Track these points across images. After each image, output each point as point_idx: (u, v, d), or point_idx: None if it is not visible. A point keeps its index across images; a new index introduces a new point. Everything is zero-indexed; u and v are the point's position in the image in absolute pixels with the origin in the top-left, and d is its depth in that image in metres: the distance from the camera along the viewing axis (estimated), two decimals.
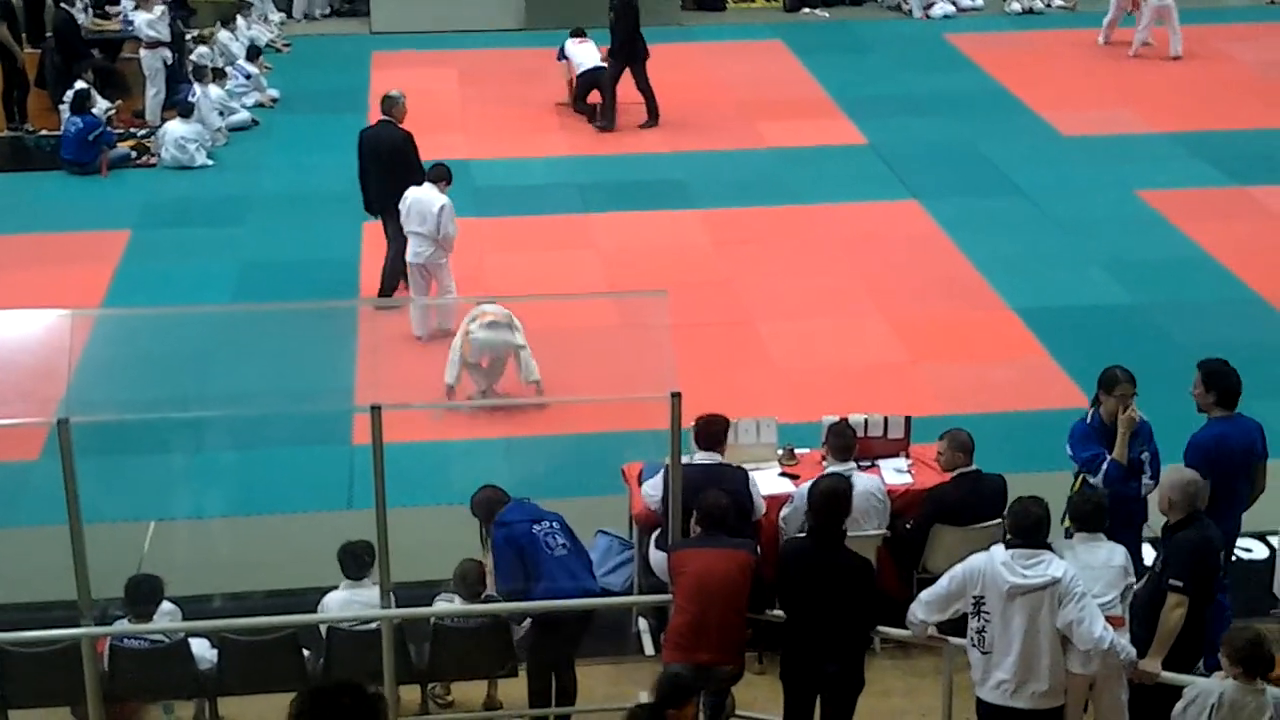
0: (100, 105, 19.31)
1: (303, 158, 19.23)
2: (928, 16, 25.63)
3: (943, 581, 8.12)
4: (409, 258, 13.86)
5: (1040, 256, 15.97)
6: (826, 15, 26.13)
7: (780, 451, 10.28)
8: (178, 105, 19.31)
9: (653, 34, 24.00)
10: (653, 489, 9.53)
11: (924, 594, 8.24)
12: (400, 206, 13.90)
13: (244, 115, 20.43)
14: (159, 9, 20.39)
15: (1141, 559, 9.11)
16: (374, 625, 8.58)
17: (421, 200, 13.76)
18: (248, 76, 21.37)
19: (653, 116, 19.92)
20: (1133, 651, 7.98)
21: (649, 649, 9.90)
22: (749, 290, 15.15)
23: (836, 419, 10.02)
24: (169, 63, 20.37)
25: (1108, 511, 8.58)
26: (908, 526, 9.79)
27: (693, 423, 9.24)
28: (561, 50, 20.54)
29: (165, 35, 20.38)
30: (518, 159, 18.70)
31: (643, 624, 10.11)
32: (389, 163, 14.55)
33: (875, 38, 24.66)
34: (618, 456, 10.59)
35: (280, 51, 23.95)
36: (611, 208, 17.32)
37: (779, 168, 18.63)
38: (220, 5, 23.99)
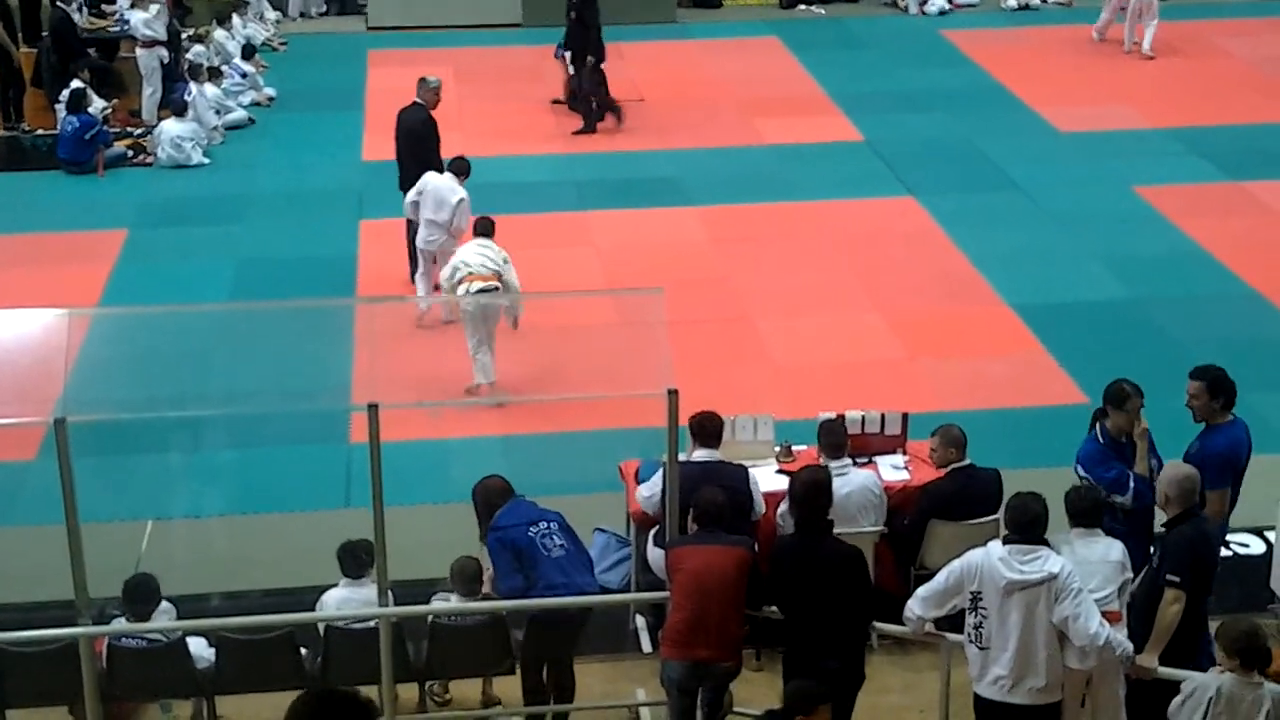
0: (96, 104, 19.31)
1: (299, 156, 19.23)
2: (924, 12, 25.62)
3: (940, 577, 8.13)
4: (420, 243, 14.08)
5: (1037, 252, 15.97)
6: (822, 12, 26.13)
7: (777, 448, 10.28)
8: (173, 104, 19.30)
9: (648, 31, 24.19)
10: (648, 490, 9.53)
11: (921, 590, 8.26)
12: (413, 190, 14.10)
13: (240, 114, 20.43)
14: (155, 8, 20.38)
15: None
16: (372, 624, 8.58)
17: (440, 190, 13.95)
18: (244, 75, 21.37)
19: (589, 124, 19.53)
20: (1129, 646, 7.99)
21: (646, 646, 9.91)
22: (746, 287, 15.15)
23: (832, 416, 10.03)
24: (165, 61, 20.36)
25: (1105, 507, 8.59)
26: (905, 523, 9.80)
27: (687, 421, 9.23)
28: (559, 48, 20.54)
29: (161, 34, 20.37)
30: (514, 156, 18.69)
31: (640, 621, 10.11)
32: (411, 143, 14.96)
33: (871, 34, 24.67)
34: (615, 454, 10.60)
35: (276, 50, 23.94)
36: (608, 205, 17.33)
37: (776, 164, 18.63)
38: (216, 4, 23.97)
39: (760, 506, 9.47)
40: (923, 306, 14.72)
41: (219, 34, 22.19)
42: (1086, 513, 8.33)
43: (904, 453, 10.34)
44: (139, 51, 20.24)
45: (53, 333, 8.63)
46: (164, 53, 20.34)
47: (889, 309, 14.66)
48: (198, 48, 21.31)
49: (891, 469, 10.14)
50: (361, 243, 16.26)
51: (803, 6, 26.28)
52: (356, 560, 9.01)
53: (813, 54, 23.24)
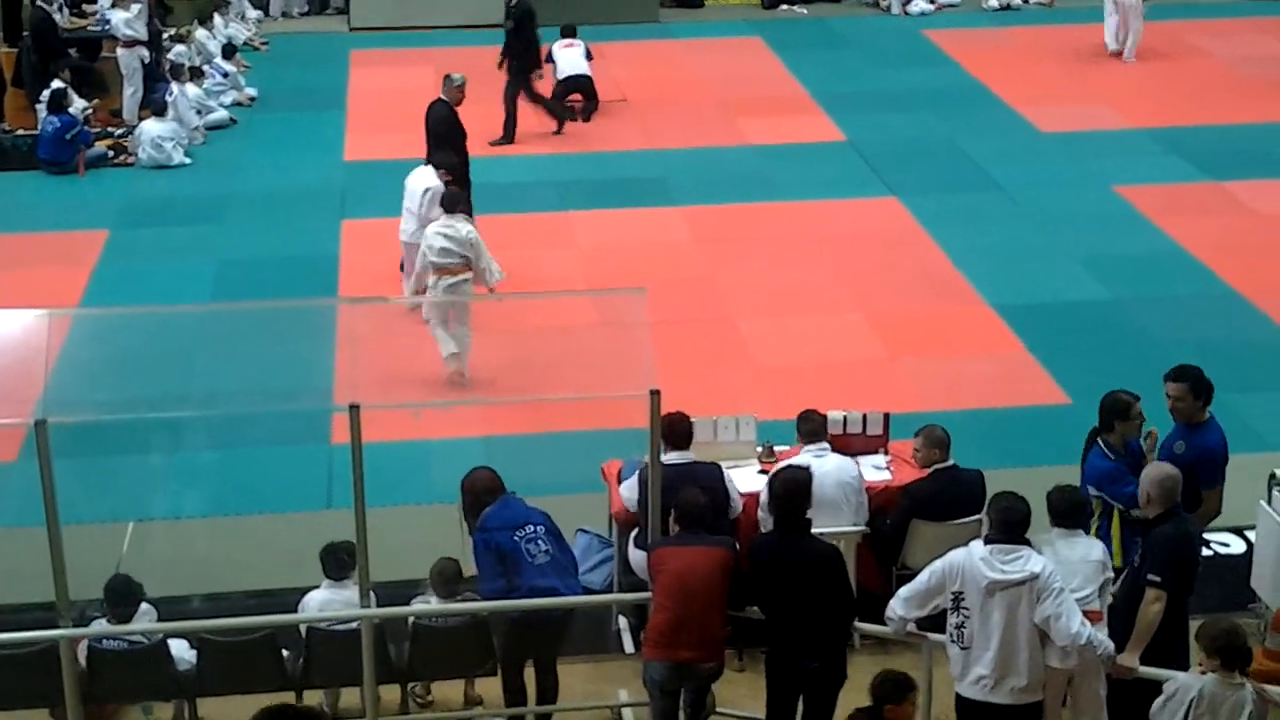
0: (77, 104, 19.24)
1: (281, 156, 19.20)
2: (906, 13, 25.65)
3: (922, 577, 8.14)
4: (400, 234, 14.14)
5: (1018, 252, 16.01)
6: (805, 12, 26.14)
7: (759, 449, 10.29)
8: (154, 104, 19.25)
9: (631, 31, 24.18)
10: (629, 490, 9.54)
11: (903, 590, 8.27)
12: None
13: (222, 114, 20.38)
14: (136, 7, 20.32)
15: None
16: (354, 625, 8.57)
17: (414, 179, 14.10)
18: (225, 75, 21.31)
19: (507, 134, 19.23)
20: (1110, 646, 8.01)
21: (629, 647, 9.91)
22: (728, 287, 15.16)
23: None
24: (146, 61, 20.32)
25: (1087, 507, 8.61)
26: (887, 523, 9.82)
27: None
28: (549, 54, 20.54)
29: (142, 34, 20.32)
30: (496, 156, 18.64)
31: (623, 622, 10.11)
32: (432, 136, 15.28)
33: (853, 34, 24.69)
34: (597, 454, 10.60)
35: (258, 50, 23.89)
36: (590, 205, 17.32)
37: (758, 165, 18.64)
38: (198, 4, 23.92)
39: (737, 503, 9.48)
40: (904, 306, 14.74)
41: (200, 34, 22.14)
42: (1068, 513, 8.35)
43: (885, 453, 10.36)
44: (120, 51, 20.18)
45: (33, 334, 8.59)
46: (145, 52, 20.30)
47: (871, 309, 14.68)
48: (179, 47, 21.26)
49: (873, 469, 10.16)
50: (343, 243, 16.24)
51: (785, 6, 26.29)
52: (338, 562, 9.00)
53: (795, 54, 23.25)
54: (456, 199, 13.30)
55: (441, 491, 11.50)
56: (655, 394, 8.12)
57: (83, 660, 8.55)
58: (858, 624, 8.59)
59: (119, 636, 8.63)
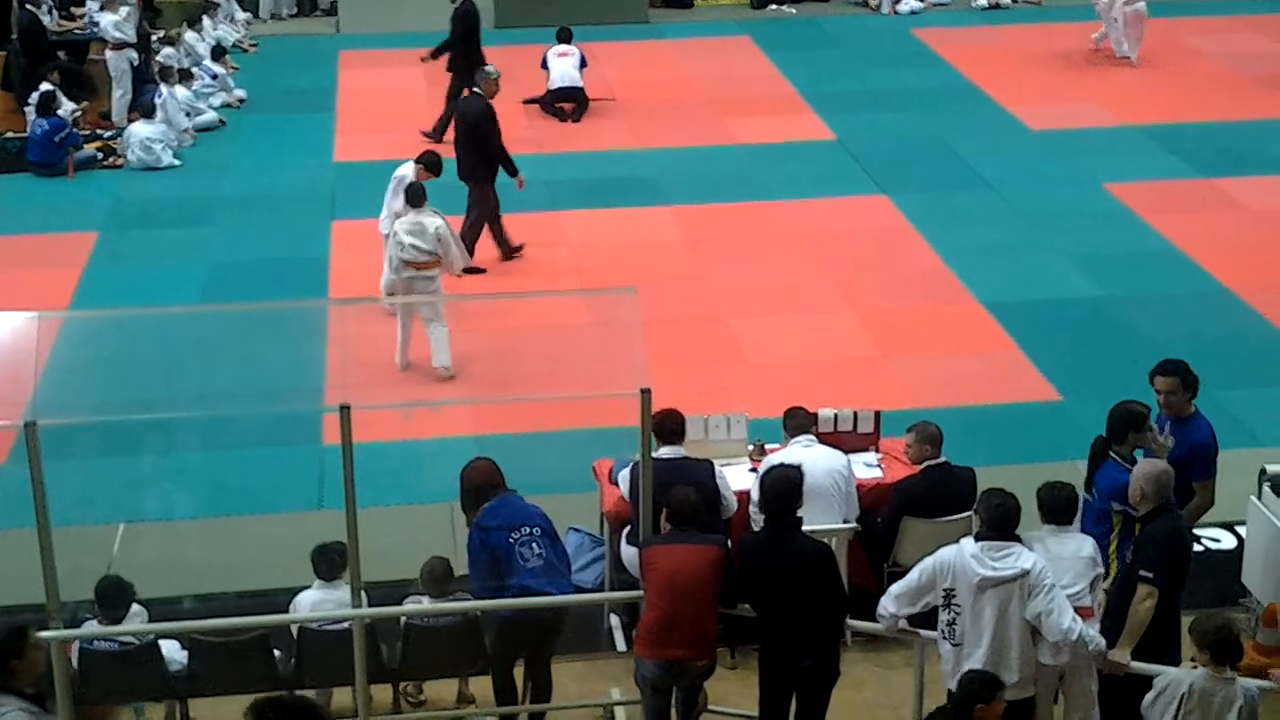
0: (66, 107, 19.22)
1: (270, 158, 19.18)
2: (895, 12, 25.68)
3: (913, 574, 8.14)
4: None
5: (1009, 250, 16.02)
6: (794, 11, 26.16)
7: (750, 447, 10.29)
8: (143, 106, 19.23)
9: (620, 31, 24.19)
10: (625, 482, 9.54)
11: (894, 587, 8.27)
12: None
13: (211, 115, 20.37)
14: (125, 10, 20.31)
15: None
16: (345, 625, 8.56)
17: (395, 175, 14.18)
18: (214, 77, 21.30)
19: (436, 132, 19.05)
20: (1102, 642, 8.02)
21: (621, 645, 9.91)
22: (719, 286, 15.16)
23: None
24: (135, 64, 20.30)
25: (1078, 504, 8.61)
26: (878, 520, 9.82)
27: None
28: (544, 60, 20.54)
29: (131, 36, 20.30)
30: None
31: (614, 620, 10.11)
32: (470, 132, 15.40)
33: (843, 33, 24.71)
34: (588, 453, 10.60)
35: (247, 51, 23.88)
36: (581, 205, 17.32)
37: (748, 164, 18.64)
38: (186, 6, 23.90)
39: (730, 500, 9.48)
40: (895, 305, 14.75)
41: (189, 36, 22.12)
42: (1059, 509, 8.35)
43: (877, 450, 10.36)
44: (109, 54, 20.17)
45: (23, 336, 8.57)
46: (134, 55, 20.28)
47: (862, 307, 14.69)
48: (168, 50, 21.23)
49: (864, 467, 10.16)
50: (333, 244, 16.23)
51: (774, 6, 26.31)
52: (329, 562, 8.98)
53: (785, 53, 23.27)
54: (419, 193, 13.33)
55: (433, 491, 11.52)
56: (646, 393, 8.11)
57: (74, 661, 8.53)
58: (850, 621, 8.59)
59: (110, 638, 8.61)
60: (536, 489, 9.70)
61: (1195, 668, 7.74)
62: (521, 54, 21.60)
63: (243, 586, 10.48)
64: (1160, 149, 18.87)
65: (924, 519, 9.64)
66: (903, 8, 25.72)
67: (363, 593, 8.41)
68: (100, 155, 18.97)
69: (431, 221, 13.06)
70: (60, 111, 18.84)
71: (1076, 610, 7.90)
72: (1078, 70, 22.26)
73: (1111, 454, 8.95)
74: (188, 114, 19.80)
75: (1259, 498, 9.70)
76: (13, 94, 20.07)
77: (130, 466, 12.01)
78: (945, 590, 7.95)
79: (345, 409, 7.92)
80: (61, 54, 20.71)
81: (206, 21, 23.15)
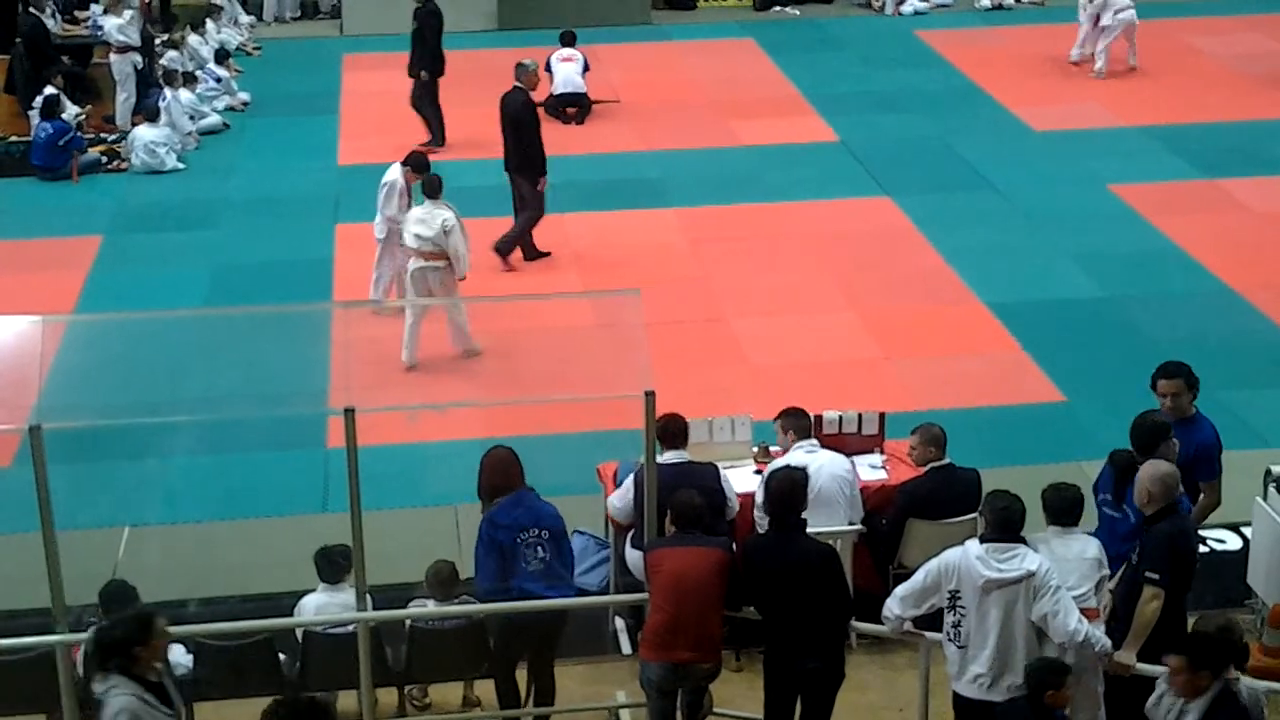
0: (70, 110, 19.24)
1: (274, 160, 19.19)
2: (898, 13, 25.68)
3: (918, 576, 8.14)
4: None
5: (1012, 251, 16.01)
6: (797, 13, 26.16)
7: (755, 449, 10.29)
8: (147, 109, 19.25)
9: (623, 33, 24.21)
10: (619, 500, 9.53)
11: (899, 589, 8.26)
12: None
13: (215, 119, 20.38)
14: (128, 14, 20.32)
15: None
16: (350, 628, 8.56)
17: (383, 179, 14.24)
18: (218, 80, 21.31)
19: (436, 136, 19.16)
20: (1107, 643, 8.01)
21: (626, 648, 9.90)
22: (723, 288, 15.16)
23: (811, 416, 10.07)
24: (139, 67, 20.31)
25: (1083, 505, 8.60)
26: (883, 523, 9.82)
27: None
28: (547, 64, 20.55)
29: (135, 40, 20.32)
30: (490, 159, 18.61)
31: (619, 623, 10.10)
32: (511, 126, 15.58)
33: (846, 35, 24.71)
34: (593, 455, 10.61)
35: (251, 54, 23.90)
36: (585, 207, 17.30)
37: (752, 166, 18.65)
38: (190, 9, 23.91)
39: (734, 503, 9.49)
40: (899, 306, 14.74)
41: (193, 39, 22.14)
42: (1064, 511, 8.34)
43: (881, 452, 10.36)
44: (113, 57, 20.19)
45: (27, 339, 8.58)
46: (138, 58, 20.30)
47: (865, 309, 14.69)
48: (172, 53, 21.24)
49: (869, 468, 10.16)
50: (337, 247, 16.23)
51: (778, 8, 26.31)
52: (334, 565, 8.98)
53: (788, 55, 23.27)
54: (436, 184, 13.42)
55: (437, 494, 11.53)
56: (650, 395, 8.11)
57: (79, 666, 8.53)
58: (855, 623, 8.59)
59: None
60: (541, 491, 9.68)
61: None
62: (524, 56, 21.55)
63: (248, 590, 10.48)
64: (1163, 149, 18.86)
65: (929, 521, 9.64)
66: (906, 9, 25.72)
67: (368, 596, 8.42)
68: (104, 159, 18.98)
69: (440, 214, 13.17)
70: (64, 115, 18.85)
71: (1082, 611, 7.89)
72: (1080, 71, 22.23)
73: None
74: (191, 117, 19.81)
75: (1264, 499, 9.70)
76: (17, 98, 20.10)
77: (135, 470, 12.02)
78: (950, 592, 7.95)
79: (350, 412, 7.92)
80: (65, 58, 20.73)
81: (210, 25, 23.17)
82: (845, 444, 10.18)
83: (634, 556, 9.34)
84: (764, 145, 19.32)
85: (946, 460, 9.75)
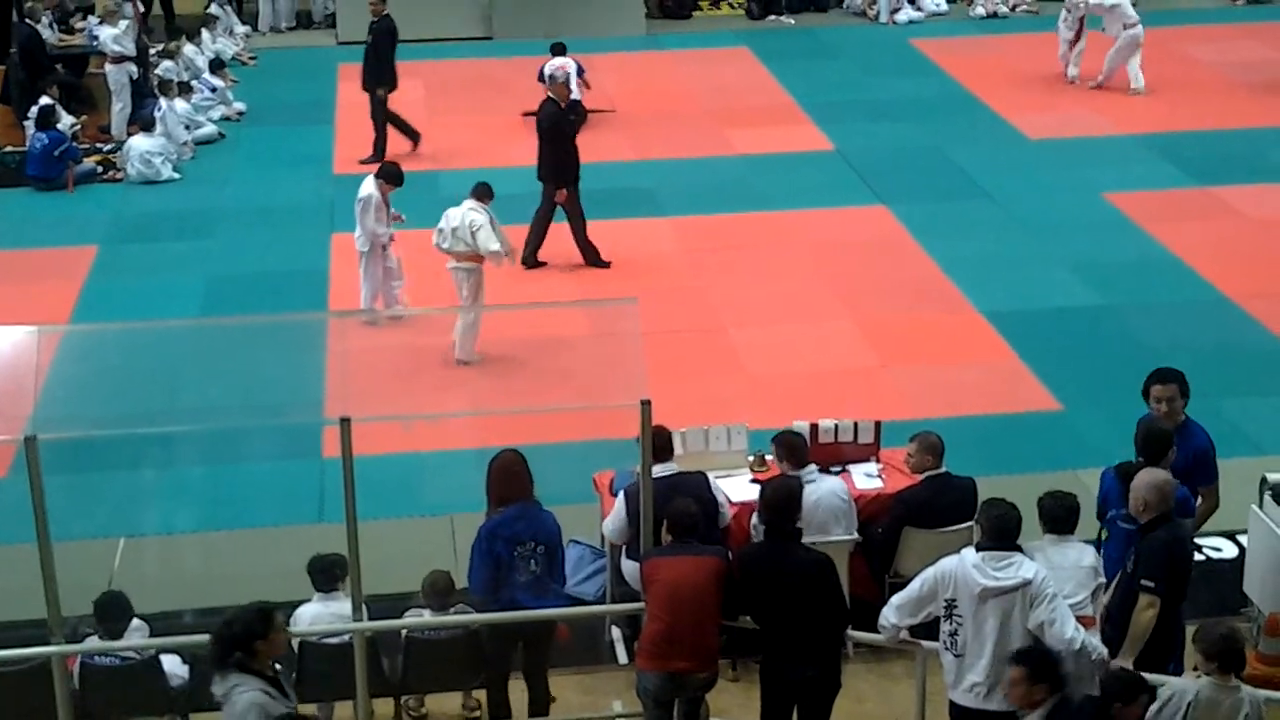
0: (65, 121, 19.24)
1: (270, 170, 19.19)
2: (893, 22, 25.71)
3: (914, 585, 8.13)
4: None
5: (1008, 259, 16.02)
6: (792, 22, 26.18)
7: (751, 458, 10.28)
8: (142, 119, 19.24)
9: (619, 42, 24.20)
10: (612, 522, 9.51)
11: (895, 598, 8.25)
12: None
13: (210, 129, 20.37)
14: (124, 23, 20.33)
15: None
16: (346, 638, 8.55)
17: (359, 195, 14.35)
18: (213, 90, 21.32)
19: (378, 152, 18.89)
20: (1104, 651, 8.00)
21: (622, 658, 9.89)
22: (719, 297, 15.17)
23: (807, 425, 10.06)
24: (134, 77, 20.31)
25: (1079, 513, 8.60)
26: (879, 532, 9.81)
27: (635, 438, 9.21)
28: (541, 73, 20.55)
29: (130, 50, 20.33)
30: (485, 169, 18.60)
31: (616, 633, 10.09)
32: (544, 136, 15.80)
33: (841, 44, 24.73)
34: (589, 465, 10.59)
35: (246, 64, 23.89)
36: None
37: (747, 174, 18.66)
38: (185, 19, 23.91)
39: (726, 510, 9.47)
40: (895, 314, 14.75)
41: (188, 49, 22.13)
42: (1060, 519, 8.34)
43: (877, 461, 10.35)
44: (108, 67, 20.19)
45: (23, 350, 8.58)
46: (133, 68, 20.30)
47: (861, 317, 14.69)
48: (167, 63, 21.24)
49: (865, 477, 10.15)
50: (333, 257, 16.22)
51: (773, 17, 26.34)
52: (329, 574, 8.97)
53: (783, 64, 23.28)
54: (481, 189, 13.78)
55: (433, 504, 11.52)
56: (647, 404, 8.12)
57: (75, 677, 8.52)
58: (851, 632, 8.59)
59: (111, 653, 8.60)
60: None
61: (1200, 677, 7.72)
62: (519, 65, 21.62)
63: (243, 600, 10.38)
64: (1159, 157, 18.88)
65: (925, 529, 9.63)
66: (901, 18, 25.75)
67: (364, 606, 8.40)
68: (100, 169, 18.98)
69: (459, 214, 13.41)
70: (60, 125, 18.86)
71: (1078, 619, 7.89)
72: (1077, 79, 22.24)
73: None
74: (187, 127, 19.81)
75: (1260, 506, 9.69)
76: (12, 108, 20.09)
77: (131, 480, 12.01)
78: (947, 601, 7.94)
79: (345, 421, 7.92)
80: (61, 68, 20.75)
81: (205, 34, 23.16)
82: (841, 453, 10.19)
83: (630, 567, 9.33)
84: (759, 154, 19.33)
85: (943, 469, 9.74)
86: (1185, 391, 9.32)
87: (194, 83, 21.05)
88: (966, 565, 7.89)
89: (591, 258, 15.79)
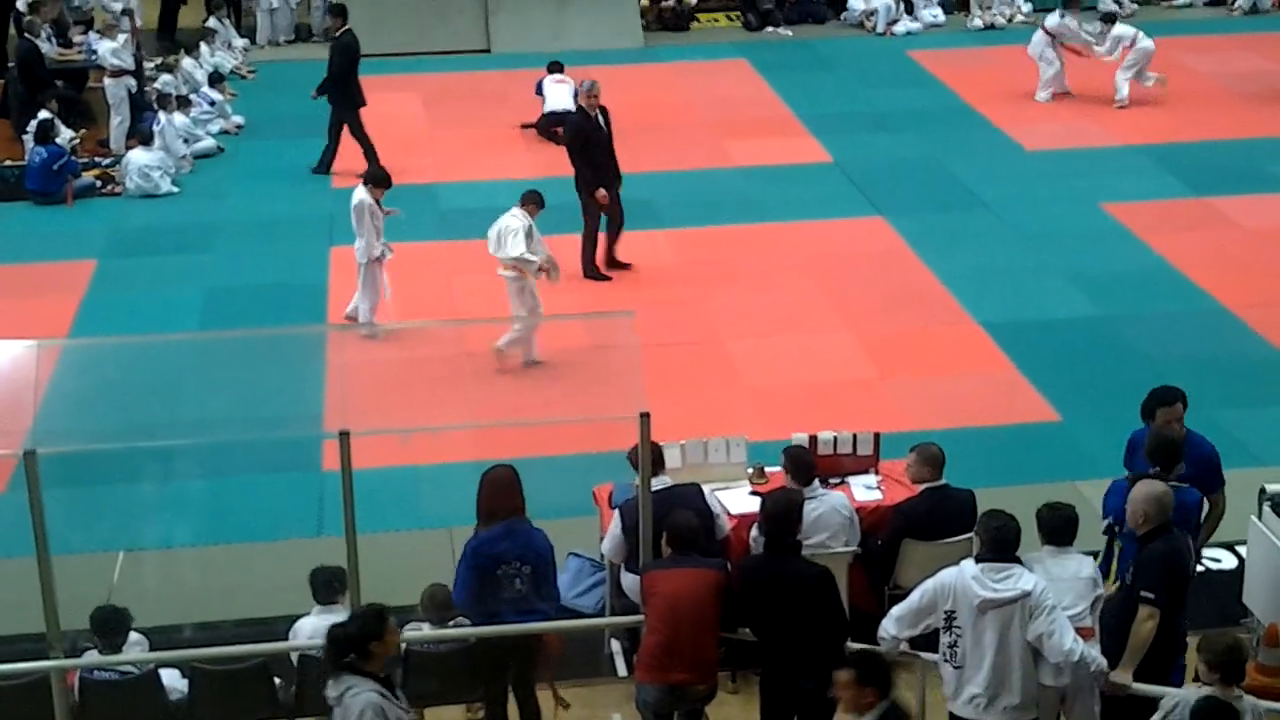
0: (64, 135, 19.26)
1: (268, 184, 19.19)
2: (891, 33, 25.74)
3: (913, 596, 8.14)
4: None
5: (1006, 271, 16.04)
6: (790, 34, 26.21)
7: (750, 470, 10.28)
8: (141, 133, 19.26)
9: (617, 54, 24.21)
10: (610, 541, 9.51)
11: (895, 610, 8.26)
12: None
13: (209, 142, 20.39)
14: (122, 37, 20.36)
15: None
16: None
17: (352, 203, 14.35)
18: (212, 103, 21.34)
19: (322, 165, 19.19)
20: (1104, 663, 8.01)
21: (622, 670, 9.89)
22: (717, 309, 15.18)
23: (806, 437, 10.06)
24: (133, 91, 20.33)
25: (1078, 525, 8.61)
26: (878, 543, 9.81)
27: (627, 453, 9.22)
28: (539, 86, 20.59)
29: (129, 64, 20.35)
30: (483, 181, 18.68)
31: (615, 645, 10.09)
32: (569, 147, 16.07)
33: (839, 55, 24.75)
34: (588, 477, 10.59)
35: (245, 78, 23.92)
36: (578, 229, 17.29)
37: (745, 186, 18.67)
38: (184, 33, 23.93)
39: (723, 521, 9.48)
40: (893, 326, 14.76)
41: (187, 62, 22.16)
42: (1059, 530, 8.35)
43: (876, 472, 10.35)
44: (107, 81, 20.21)
45: (22, 364, 8.59)
46: (132, 82, 20.32)
47: (859, 329, 14.70)
48: (166, 77, 21.27)
49: (864, 489, 10.15)
50: (332, 270, 16.23)
51: (770, 28, 26.37)
52: (328, 586, 8.98)
53: (781, 76, 23.31)
54: (530, 196, 13.92)
55: (432, 517, 11.52)
56: (645, 416, 8.13)
57: (74, 691, 8.52)
58: (850, 644, 8.58)
59: (110, 667, 8.60)
60: (536, 514, 9.69)
61: (1201, 688, 7.72)
62: (517, 78, 21.65)
63: (243, 614, 10.46)
64: (1156, 168, 18.90)
65: (924, 541, 9.63)
66: (898, 29, 25.79)
67: None
68: (99, 183, 18.99)
69: (503, 220, 13.61)
70: (58, 139, 18.87)
71: (1077, 631, 7.90)
72: (1073, 90, 22.26)
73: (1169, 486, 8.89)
74: (186, 141, 19.83)
75: (1259, 517, 9.70)
76: (11, 122, 20.12)
77: (130, 494, 12.00)
78: (946, 612, 7.95)
79: (344, 435, 7.93)
80: (59, 82, 20.76)
81: (204, 48, 23.19)
82: (840, 465, 10.19)
83: (629, 580, 9.33)
84: (757, 166, 19.35)
85: (942, 481, 9.75)
86: (1186, 406, 9.38)
87: (193, 96, 21.08)
88: (966, 577, 7.90)
89: (591, 271, 15.81)
